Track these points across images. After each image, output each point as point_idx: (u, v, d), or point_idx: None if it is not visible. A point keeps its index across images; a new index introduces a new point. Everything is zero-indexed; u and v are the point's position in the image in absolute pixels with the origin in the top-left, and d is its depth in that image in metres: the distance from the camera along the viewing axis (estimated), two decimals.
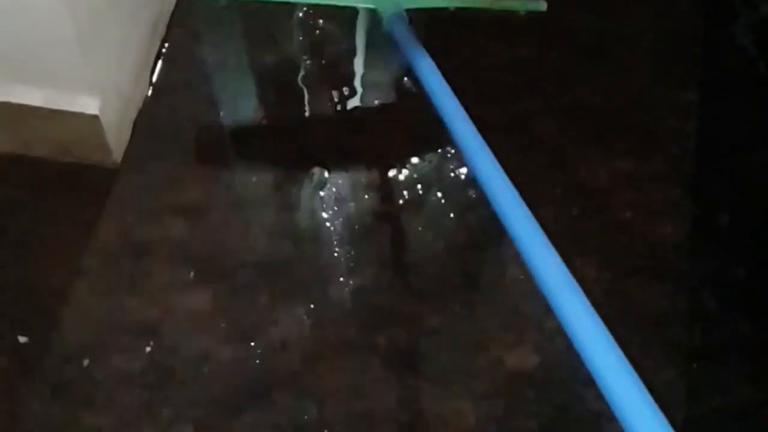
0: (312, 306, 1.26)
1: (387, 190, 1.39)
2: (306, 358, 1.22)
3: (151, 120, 1.42)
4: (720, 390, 1.26)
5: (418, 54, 1.24)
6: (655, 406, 0.77)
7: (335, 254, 1.31)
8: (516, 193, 1.00)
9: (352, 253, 1.31)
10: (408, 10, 1.39)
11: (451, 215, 1.37)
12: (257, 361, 1.21)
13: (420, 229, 1.35)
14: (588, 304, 0.90)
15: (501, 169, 1.02)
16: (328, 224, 1.34)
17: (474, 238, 1.36)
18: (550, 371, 1.25)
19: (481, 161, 1.05)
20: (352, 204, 1.36)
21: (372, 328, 1.25)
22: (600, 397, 0.86)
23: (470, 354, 1.25)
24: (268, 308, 1.26)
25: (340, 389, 1.20)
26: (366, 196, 1.37)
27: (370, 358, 1.23)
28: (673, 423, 1.24)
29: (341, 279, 1.29)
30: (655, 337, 1.28)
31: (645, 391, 0.81)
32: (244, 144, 1.44)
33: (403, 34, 1.31)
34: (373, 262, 1.31)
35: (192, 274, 1.28)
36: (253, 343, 1.22)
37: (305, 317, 1.25)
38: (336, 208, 1.36)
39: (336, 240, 1.32)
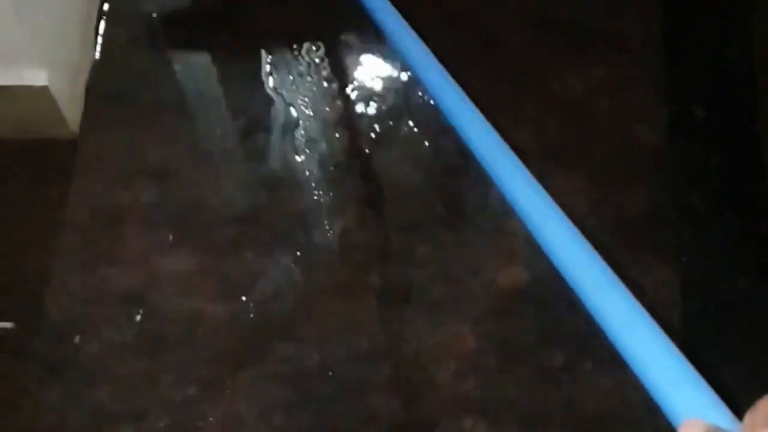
0: (299, 253, 1.27)
1: (357, 125, 1.39)
2: (300, 305, 1.24)
3: (104, 83, 1.40)
4: (713, 285, 1.30)
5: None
6: (646, 319, 0.70)
7: (314, 198, 1.32)
8: (477, 115, 0.98)
9: (331, 194, 1.32)
10: None
11: (426, 143, 1.38)
12: (251, 315, 1.23)
13: (396, 161, 1.36)
14: (564, 219, 0.87)
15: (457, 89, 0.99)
16: (302, 168, 1.35)
17: (451, 163, 1.37)
18: (543, 285, 1.29)
19: (432, 76, 1.01)
20: (324, 144, 1.37)
21: (362, 267, 1.27)
22: None
23: (463, 279, 1.28)
24: (254, 261, 1.27)
25: (339, 331, 1.22)
26: (337, 135, 1.38)
27: (365, 297, 1.25)
28: (668, 322, 1.30)
29: (324, 223, 1.30)
30: (644, 240, 1.31)
31: (635, 304, 0.75)
32: (202, 93, 1.43)
33: None
34: (354, 202, 1.32)
35: (171, 236, 1.28)
36: (244, 298, 1.23)
37: (293, 265, 1.26)
38: (308, 151, 1.36)
39: (313, 184, 1.33)
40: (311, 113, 1.39)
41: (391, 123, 1.39)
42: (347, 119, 1.39)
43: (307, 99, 1.40)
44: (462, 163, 1.37)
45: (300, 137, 1.37)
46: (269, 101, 1.40)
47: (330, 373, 1.21)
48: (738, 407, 1.35)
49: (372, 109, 1.40)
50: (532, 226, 0.87)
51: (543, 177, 1.35)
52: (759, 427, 0.45)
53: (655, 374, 0.60)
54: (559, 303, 1.27)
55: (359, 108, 1.40)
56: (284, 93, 1.41)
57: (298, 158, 1.35)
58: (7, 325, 1.19)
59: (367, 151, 1.37)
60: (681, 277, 1.29)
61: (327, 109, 1.39)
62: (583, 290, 0.70)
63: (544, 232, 0.83)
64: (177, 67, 1.44)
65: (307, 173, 1.34)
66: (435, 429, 1.22)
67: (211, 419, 1.17)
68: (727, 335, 1.29)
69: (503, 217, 1.33)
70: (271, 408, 1.19)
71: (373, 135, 1.38)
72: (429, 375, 1.24)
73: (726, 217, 1.33)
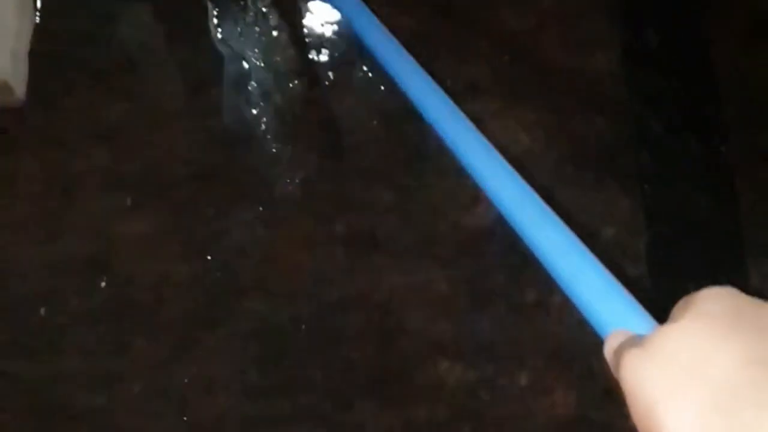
0: (261, 208, 1.27)
1: (310, 74, 1.38)
2: (267, 260, 1.24)
3: (47, 48, 1.37)
4: (677, 207, 1.33)
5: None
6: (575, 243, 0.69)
7: (273, 151, 1.31)
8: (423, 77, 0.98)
9: (290, 146, 1.31)
10: None
11: (381, 87, 1.37)
12: (218, 274, 1.23)
13: (353, 107, 1.35)
14: (497, 157, 0.85)
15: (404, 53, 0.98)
16: (257, 122, 1.33)
17: (409, 106, 1.36)
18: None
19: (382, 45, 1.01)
20: (278, 95, 1.35)
21: (327, 217, 1.27)
22: None
23: (429, 223, 1.29)
24: (216, 219, 1.26)
25: (308, 284, 1.23)
26: (290, 85, 1.36)
27: (332, 248, 1.25)
28: (637, 249, 1.32)
29: (284, 175, 1.29)
30: (607, 170, 1.33)
31: (564, 231, 0.73)
32: (149, 51, 1.40)
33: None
34: (313, 152, 1.32)
35: (129, 200, 1.27)
36: (209, 257, 1.23)
37: (257, 220, 1.26)
38: (262, 103, 1.35)
39: (270, 136, 1.32)
40: (262, 64, 1.37)
41: (344, 69, 1.38)
42: (300, 68, 1.38)
43: (257, 50, 1.38)
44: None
45: (253, 90, 1.35)
46: (218, 55, 1.38)
47: (303, 327, 1.22)
48: None
49: (324, 56, 1.39)
50: (467, 165, 0.88)
51: (501, 112, 1.37)
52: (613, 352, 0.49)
53: (582, 293, 0.63)
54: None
55: (311, 56, 1.39)
56: (233, 45, 1.39)
57: (253, 111, 1.34)
58: None
59: (322, 99, 1.36)
60: (644, 204, 1.31)
61: (278, 59, 1.38)
62: (517, 222, 0.73)
63: (480, 173, 0.85)
64: (121, 27, 1.41)
65: (263, 126, 1.33)
66: (411, 374, 1.24)
67: (186, 380, 1.18)
68: (692, 256, 1.32)
69: None
70: (245, 365, 1.20)
71: (327, 83, 1.37)
72: (402, 321, 1.26)
73: (685, 141, 1.35)
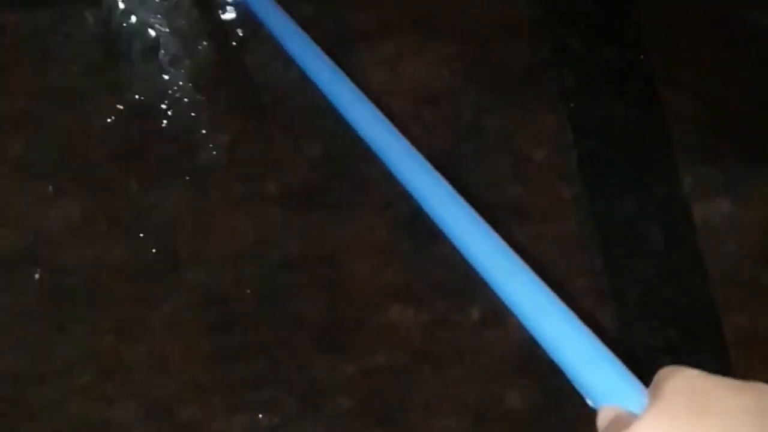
0: (187, 178, 1.27)
1: (218, 33, 1.37)
2: (202, 229, 1.24)
3: None
4: (604, 121, 1.36)
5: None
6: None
7: (191, 117, 1.30)
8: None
9: (208, 110, 1.30)
10: None
11: None
12: (153, 250, 1.22)
13: (267, 63, 1.34)
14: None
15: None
16: (172, 89, 1.32)
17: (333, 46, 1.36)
18: (438, 161, 1.31)
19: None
20: (188, 60, 1.34)
21: (256, 178, 1.27)
22: None
23: (360, 170, 1.30)
24: (143, 195, 1.26)
25: (248, 247, 1.24)
26: (200, 47, 1.35)
27: (267, 208, 1.26)
28: (565, 165, 1.35)
29: (207, 141, 1.28)
30: (531, 92, 1.35)
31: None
32: (48, 30, 1.37)
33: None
34: (234, 112, 1.31)
35: (50, 187, 1.25)
36: (142, 234, 1.23)
37: (185, 190, 1.25)
38: (173, 69, 1.33)
39: (186, 102, 1.31)
40: (168, 30, 1.35)
41: (252, 24, 1.36)
42: (207, 29, 1.36)
43: (160, 16, 1.36)
44: (337, 52, 1.36)
45: (163, 57, 1.34)
46: (121, 26, 1.36)
47: (248, 291, 1.23)
48: (642, 236, 1.43)
49: (230, 14, 1.37)
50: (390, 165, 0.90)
51: (418, 49, 1.38)
52: None
53: (570, 360, 0.61)
54: (463, 173, 1.31)
55: (217, 15, 1.37)
56: (137, 13, 1.37)
57: (165, 78, 1.32)
58: None
59: (235, 58, 1.35)
60: (572, 122, 1.34)
61: (183, 22, 1.36)
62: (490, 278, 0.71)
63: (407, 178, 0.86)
64: (16, 9, 1.38)
65: (178, 93, 1.32)
66: (364, 323, 1.26)
67: (137, 362, 1.18)
68: (625, 169, 1.36)
69: (383, 96, 1.34)
70: (195, 338, 1.21)
71: (236, 42, 1.36)
72: (348, 272, 1.27)
73: (604, 55, 1.38)
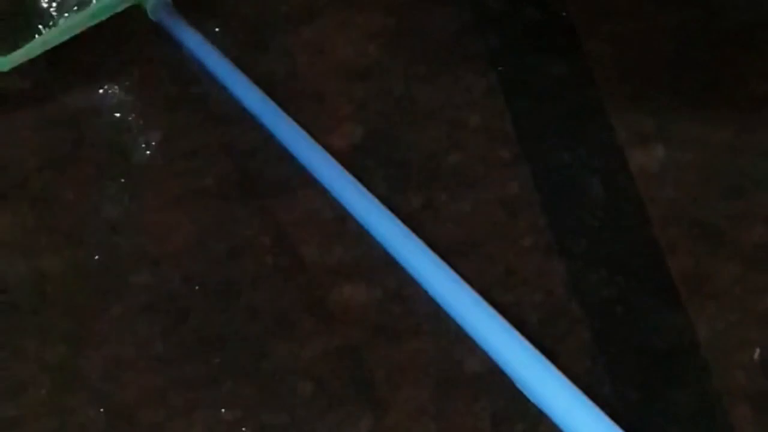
0: (123, 180, 1.26)
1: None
2: (143, 230, 1.24)
3: None
4: (533, 80, 1.39)
5: (193, 38, 1.22)
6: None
7: (120, 119, 1.30)
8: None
9: (137, 109, 1.30)
10: None
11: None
12: (96, 257, 1.22)
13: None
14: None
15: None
16: (96, 92, 1.31)
17: (256, 33, 1.36)
18: (379, 137, 1.33)
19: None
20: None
21: (193, 172, 1.27)
22: None
23: None
24: (79, 202, 1.25)
25: (192, 244, 1.24)
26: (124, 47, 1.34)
27: (206, 201, 1.26)
28: (501, 129, 1.37)
29: (139, 141, 1.28)
30: (458, 59, 1.37)
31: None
32: None
33: (172, 21, 1.27)
34: (163, 109, 1.31)
35: None
36: (82, 242, 1.22)
37: (121, 193, 1.25)
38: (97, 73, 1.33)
39: (113, 104, 1.30)
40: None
41: None
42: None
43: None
44: (259, 37, 1.37)
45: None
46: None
47: (196, 287, 1.23)
48: (582, 189, 1.46)
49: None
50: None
51: (340, 27, 1.39)
52: None
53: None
54: (401, 146, 1.33)
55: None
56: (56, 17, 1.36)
57: (89, 83, 1.32)
58: None
59: (158, 52, 1.34)
60: (502, 84, 1.36)
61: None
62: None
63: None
64: None
65: (104, 96, 1.31)
66: (318, 306, 1.27)
67: (91, 371, 1.18)
68: (559, 126, 1.39)
69: (319, 77, 1.35)
70: (148, 340, 1.21)
71: (158, 34, 1.35)
72: (295, 256, 1.28)
73: (526, 14, 1.40)
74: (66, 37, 1.32)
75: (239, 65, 1.25)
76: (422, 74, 1.36)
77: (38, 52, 1.30)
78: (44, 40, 1.31)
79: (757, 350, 1.38)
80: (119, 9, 1.32)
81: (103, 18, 1.32)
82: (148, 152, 1.27)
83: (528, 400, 1.31)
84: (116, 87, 1.30)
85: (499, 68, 1.37)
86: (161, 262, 1.23)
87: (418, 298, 1.30)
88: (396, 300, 1.30)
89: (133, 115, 1.29)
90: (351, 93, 1.33)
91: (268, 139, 1.30)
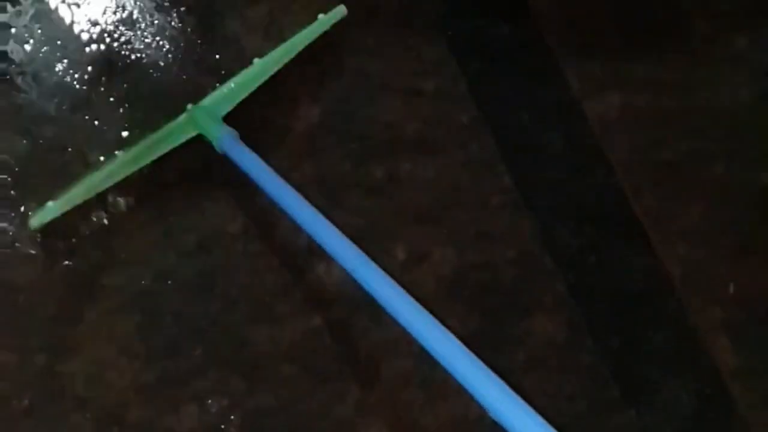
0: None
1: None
2: (109, 232, 1.23)
3: None
4: (484, 42, 1.40)
5: (263, 172, 1.16)
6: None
7: (76, 122, 1.29)
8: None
9: (91, 110, 1.29)
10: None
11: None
12: (66, 262, 1.22)
13: (149, 50, 1.33)
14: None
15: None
16: (51, 100, 1.30)
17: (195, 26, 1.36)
18: (332, 115, 1.34)
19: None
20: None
21: (155, 167, 1.26)
22: None
23: (259, 137, 1.30)
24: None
25: (159, 241, 1.24)
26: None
27: (170, 193, 1.26)
28: (461, 94, 1.39)
29: (97, 141, 1.26)
30: (408, 28, 1.39)
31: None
32: None
33: (241, 154, 1.20)
34: (117, 106, 1.29)
35: None
36: (50, 249, 1.22)
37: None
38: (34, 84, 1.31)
39: (66, 107, 1.29)
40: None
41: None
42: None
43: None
44: (206, 24, 1.36)
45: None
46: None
47: (168, 282, 1.24)
48: (543, 144, 1.47)
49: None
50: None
51: (288, 7, 1.39)
52: None
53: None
54: (360, 121, 1.34)
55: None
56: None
57: (43, 91, 1.30)
58: None
59: (109, 53, 1.34)
60: (454, 49, 1.37)
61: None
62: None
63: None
64: None
65: (58, 103, 1.30)
66: (294, 288, 1.28)
67: (74, 377, 1.19)
68: (513, 85, 1.41)
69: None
70: (127, 339, 1.21)
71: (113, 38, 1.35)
72: (267, 241, 1.29)
73: None
74: (120, 177, 1.24)
75: None
76: (374, 45, 1.37)
77: (89, 194, 1.23)
78: (91, 183, 1.22)
79: (731, 284, 1.41)
80: (176, 144, 1.26)
81: (161, 154, 1.25)
82: (107, 150, 1.26)
83: (516, 356, 1.34)
84: (69, 93, 1.28)
85: (449, 33, 1.38)
86: (131, 263, 1.22)
87: (393, 268, 1.31)
88: None
89: (90, 115, 1.27)
90: (304, 73, 1.34)
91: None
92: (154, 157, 1.25)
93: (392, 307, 0.94)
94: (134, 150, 1.24)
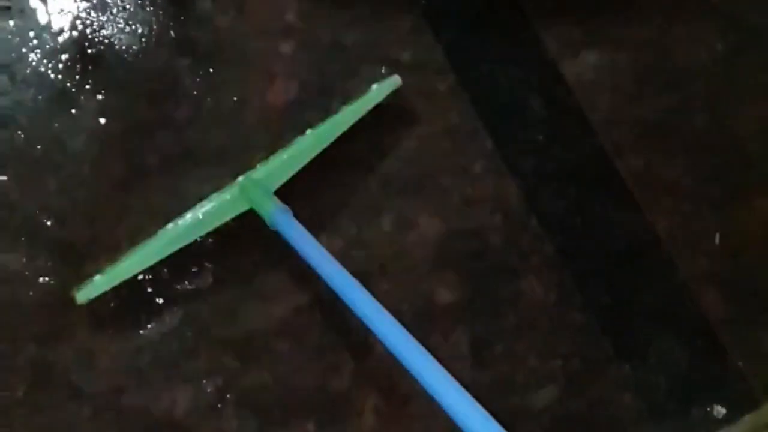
0: (65, 174, 1.25)
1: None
2: (94, 221, 1.23)
3: None
4: (456, 7, 1.41)
5: (314, 249, 1.15)
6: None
7: (53, 113, 1.28)
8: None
9: (69, 100, 1.28)
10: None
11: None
12: (48, 263, 1.22)
13: (128, 38, 1.33)
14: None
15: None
16: (26, 92, 1.29)
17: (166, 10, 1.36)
18: (310, 90, 1.34)
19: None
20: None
21: (132, 153, 1.26)
22: None
23: (236, 114, 1.31)
24: (22, 206, 1.23)
25: (144, 229, 1.24)
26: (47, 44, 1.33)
27: (152, 179, 1.26)
28: (438, 61, 1.39)
29: (75, 131, 1.26)
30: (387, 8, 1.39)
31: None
32: None
33: (292, 229, 1.19)
34: (93, 96, 1.29)
35: None
36: (33, 241, 1.22)
37: (67, 188, 1.23)
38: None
39: (41, 99, 1.28)
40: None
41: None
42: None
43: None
44: (177, 6, 1.36)
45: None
46: None
47: (165, 270, 1.24)
48: (522, 107, 1.46)
49: None
50: None
51: None
52: None
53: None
54: (338, 94, 1.34)
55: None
56: None
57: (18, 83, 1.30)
58: None
59: (79, 43, 1.33)
60: (427, 17, 1.38)
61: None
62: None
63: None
64: None
65: (32, 96, 1.29)
66: (281, 263, 1.28)
67: (67, 364, 1.19)
68: (488, 47, 1.41)
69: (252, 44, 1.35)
70: (118, 327, 1.22)
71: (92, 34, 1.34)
72: (248, 219, 1.29)
73: None
74: (170, 252, 1.22)
75: None
76: (349, 20, 1.37)
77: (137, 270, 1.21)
78: (140, 258, 1.20)
79: (717, 235, 1.43)
80: (228, 218, 1.25)
81: (211, 229, 1.24)
82: (85, 139, 1.25)
83: (508, 320, 1.35)
84: (40, 97, 1.28)
85: (422, 1, 1.39)
86: (117, 248, 1.22)
87: (380, 240, 1.34)
88: (358, 245, 1.32)
89: (66, 105, 1.27)
90: (278, 49, 1.34)
91: (201, 112, 1.31)
92: (206, 231, 1.24)
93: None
94: (184, 223, 1.22)
